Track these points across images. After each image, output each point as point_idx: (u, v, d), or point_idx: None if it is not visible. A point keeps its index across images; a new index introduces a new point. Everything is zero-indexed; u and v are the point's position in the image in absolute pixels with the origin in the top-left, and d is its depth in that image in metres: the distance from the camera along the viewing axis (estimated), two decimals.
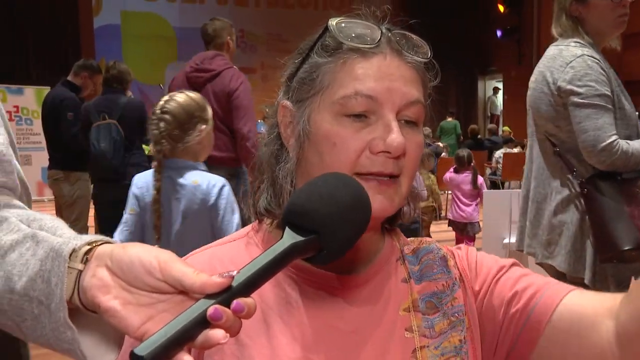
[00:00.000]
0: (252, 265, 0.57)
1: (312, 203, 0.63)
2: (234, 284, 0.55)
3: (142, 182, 2.11)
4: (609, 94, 1.97)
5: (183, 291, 0.57)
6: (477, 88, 15.36)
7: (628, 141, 1.96)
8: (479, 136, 10.98)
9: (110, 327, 0.59)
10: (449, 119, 11.91)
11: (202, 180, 2.07)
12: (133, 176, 2.16)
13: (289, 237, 0.61)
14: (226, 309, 0.53)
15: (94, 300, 0.57)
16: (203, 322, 0.53)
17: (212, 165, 2.61)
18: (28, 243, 0.63)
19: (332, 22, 0.74)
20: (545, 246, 2.15)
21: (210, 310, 0.53)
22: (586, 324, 0.72)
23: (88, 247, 0.61)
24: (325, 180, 0.65)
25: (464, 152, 5.98)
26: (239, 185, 3.23)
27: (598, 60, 2.00)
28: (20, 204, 0.77)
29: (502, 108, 14.88)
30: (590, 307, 0.73)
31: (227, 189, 2.09)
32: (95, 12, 12.70)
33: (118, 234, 2.07)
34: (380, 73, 0.72)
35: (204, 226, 2.06)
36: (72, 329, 0.59)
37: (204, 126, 2.10)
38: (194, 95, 2.16)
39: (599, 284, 2.01)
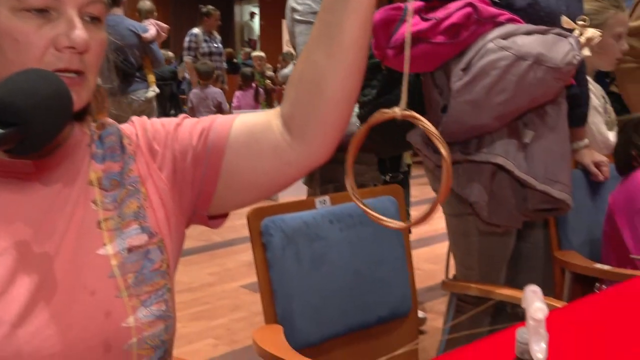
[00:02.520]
0: None
1: (12, 96, 0.65)
2: None
3: None
4: None
5: None
6: (234, 13, 15.37)
7: None
8: (234, 60, 11.10)
9: None
10: None
11: None
12: None
13: None
14: None
15: None
16: None
17: None
18: None
19: None
20: None
21: None
22: (260, 130, 0.86)
23: None
24: (25, 74, 0.68)
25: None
26: None
27: None
28: None
29: (259, 33, 15.15)
30: (260, 117, 0.88)
31: None
32: None
33: None
34: None
35: None
36: None
37: None
38: None
39: (309, 183, 2.31)
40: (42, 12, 0.73)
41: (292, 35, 2.21)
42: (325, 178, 2.24)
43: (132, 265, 0.81)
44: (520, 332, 0.68)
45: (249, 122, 0.88)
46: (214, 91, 6.11)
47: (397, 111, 0.78)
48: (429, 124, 0.75)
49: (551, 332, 0.80)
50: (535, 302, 0.67)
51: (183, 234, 0.92)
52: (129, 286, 0.80)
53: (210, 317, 3.10)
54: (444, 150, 0.74)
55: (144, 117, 0.93)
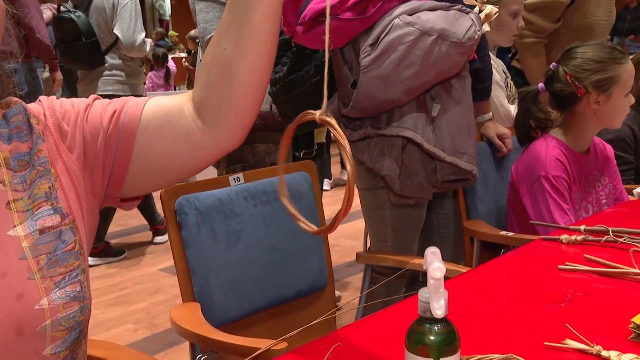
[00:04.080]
0: None
1: None
2: None
3: None
4: None
5: None
6: None
7: None
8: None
9: None
10: None
11: None
12: None
13: None
14: None
15: None
16: None
17: None
18: None
19: None
20: None
21: None
22: (172, 113, 0.86)
23: None
24: None
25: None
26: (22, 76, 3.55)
27: None
28: None
29: (170, 13, 14.76)
30: (172, 100, 0.88)
31: None
32: None
33: None
34: None
35: None
36: None
37: None
38: None
39: (216, 164, 2.31)
40: None
41: (193, 13, 2.18)
42: (232, 159, 2.24)
43: (44, 246, 0.80)
44: (422, 292, 0.71)
45: (162, 105, 0.87)
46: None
47: (318, 115, 0.78)
48: (342, 135, 0.75)
49: (455, 295, 0.84)
50: (434, 263, 0.71)
51: (96, 216, 0.90)
52: (42, 268, 0.78)
53: (129, 302, 3.04)
54: (350, 167, 0.74)
55: (53, 97, 0.90)
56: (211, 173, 2.19)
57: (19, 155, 0.83)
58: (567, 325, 0.95)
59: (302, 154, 2.16)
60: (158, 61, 7.22)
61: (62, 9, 3.43)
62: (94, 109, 0.88)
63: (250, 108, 0.85)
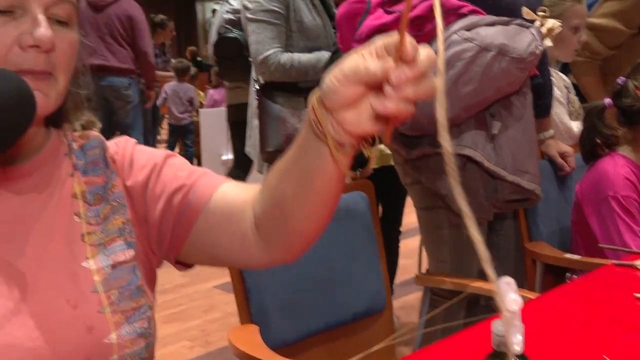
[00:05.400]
0: None
1: None
2: None
3: None
4: (278, 9, 2.17)
5: None
6: (196, 11, 15.25)
7: (295, 54, 2.19)
8: (198, 58, 11.02)
9: None
10: None
11: None
12: None
13: None
14: None
15: None
16: None
17: (115, 75, 4.20)
18: None
19: None
20: (251, 148, 2.46)
21: None
22: (236, 211, 0.83)
23: None
24: None
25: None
26: (136, 89, 4.39)
27: None
28: None
29: None
30: (241, 196, 0.84)
31: None
32: None
33: None
34: None
35: None
36: None
37: None
38: None
39: None
40: (5, 12, 0.71)
41: (245, 33, 2.20)
42: None
43: (115, 281, 0.79)
44: (496, 325, 0.68)
45: (229, 198, 0.84)
46: (187, 87, 6.54)
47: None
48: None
49: (526, 323, 0.79)
50: (509, 294, 0.67)
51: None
52: (113, 302, 0.78)
53: (184, 319, 3.07)
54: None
55: (132, 141, 0.90)
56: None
57: (94, 189, 0.83)
58: None
59: (358, 172, 2.13)
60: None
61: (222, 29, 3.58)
62: (164, 172, 0.87)
63: (305, 243, 0.80)
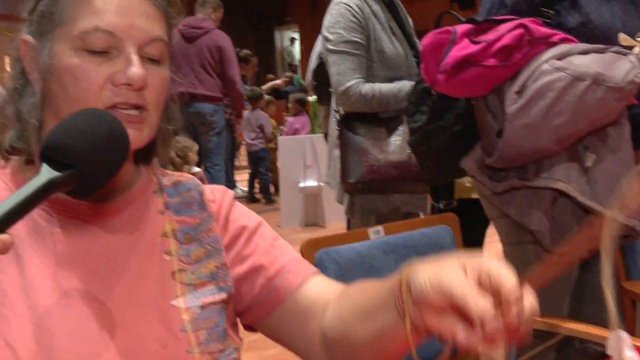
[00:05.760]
0: (8, 200, 0.58)
1: (69, 137, 0.64)
2: None
3: None
4: (359, 40, 2.16)
5: None
6: (274, 38, 15.59)
7: (376, 84, 2.17)
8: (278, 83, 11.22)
9: None
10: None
11: None
12: None
13: (47, 173, 0.62)
14: None
15: None
16: None
17: (202, 102, 4.45)
18: None
19: None
20: (331, 178, 2.42)
21: None
22: (312, 312, 0.82)
23: None
24: (81, 115, 0.68)
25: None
26: (221, 116, 4.65)
27: (351, 7, 2.17)
28: None
29: (300, 57, 15.30)
30: (322, 299, 0.83)
31: None
32: None
33: None
34: (120, 8, 0.73)
35: None
36: None
37: None
38: None
39: (350, 213, 2.28)
40: (103, 52, 0.74)
41: (326, 64, 2.20)
42: (365, 208, 2.20)
43: (205, 322, 0.79)
44: None
45: (310, 297, 0.84)
46: (259, 114, 6.71)
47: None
48: None
49: None
50: (624, 350, 0.62)
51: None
52: (201, 342, 0.78)
53: (262, 347, 3.06)
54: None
55: (231, 194, 0.91)
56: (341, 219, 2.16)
57: (186, 228, 0.84)
58: None
59: (442, 204, 2.09)
60: (299, 105, 7.04)
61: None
62: (257, 239, 0.87)
63: None
